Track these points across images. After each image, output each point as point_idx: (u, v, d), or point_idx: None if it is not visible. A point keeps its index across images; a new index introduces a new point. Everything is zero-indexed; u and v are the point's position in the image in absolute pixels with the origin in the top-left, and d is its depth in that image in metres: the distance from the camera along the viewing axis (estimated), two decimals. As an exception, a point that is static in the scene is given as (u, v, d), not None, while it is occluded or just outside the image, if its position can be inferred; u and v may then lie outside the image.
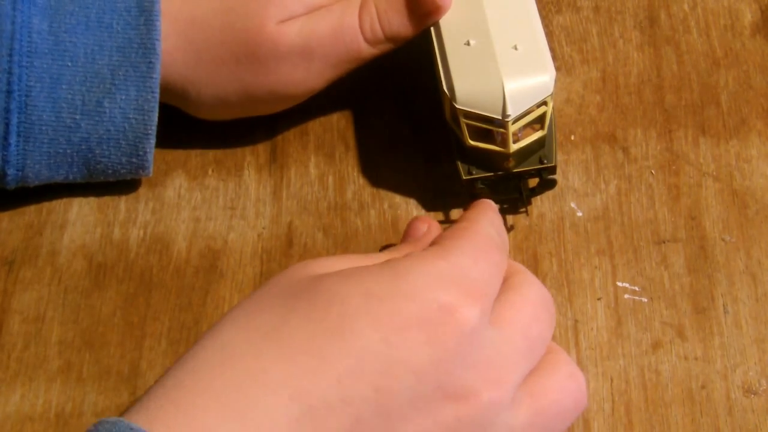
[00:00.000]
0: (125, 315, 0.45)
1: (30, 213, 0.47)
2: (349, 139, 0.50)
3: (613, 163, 0.48)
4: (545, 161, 0.44)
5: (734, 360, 0.43)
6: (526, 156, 0.44)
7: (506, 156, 0.43)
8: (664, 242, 0.46)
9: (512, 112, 0.42)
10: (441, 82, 0.44)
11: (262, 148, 0.49)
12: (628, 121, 0.49)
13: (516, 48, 0.43)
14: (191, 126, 0.48)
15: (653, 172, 0.48)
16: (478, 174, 0.44)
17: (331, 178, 0.48)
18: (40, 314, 0.44)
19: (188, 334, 0.44)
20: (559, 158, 0.46)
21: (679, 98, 0.50)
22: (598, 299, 0.45)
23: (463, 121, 0.43)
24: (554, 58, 0.48)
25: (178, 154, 0.49)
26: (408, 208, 0.47)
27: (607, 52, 0.51)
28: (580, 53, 0.51)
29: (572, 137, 0.49)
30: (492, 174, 0.44)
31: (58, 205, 0.47)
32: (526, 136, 0.43)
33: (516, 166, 0.44)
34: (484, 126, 0.43)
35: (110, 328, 0.44)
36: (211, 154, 0.49)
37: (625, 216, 0.47)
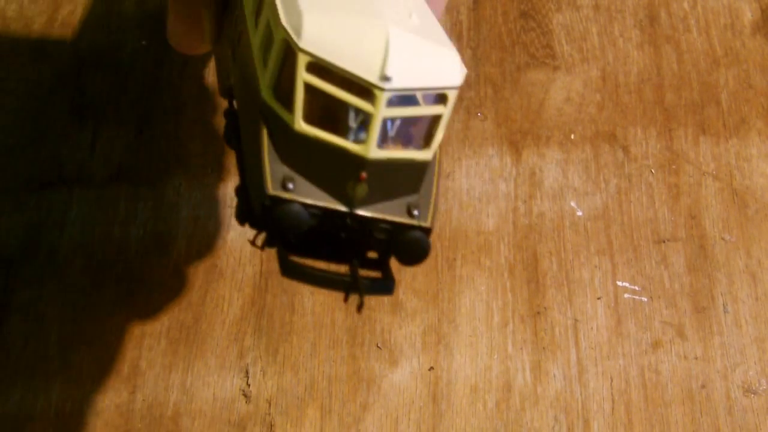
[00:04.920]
0: (125, 314, 0.45)
1: (30, 212, 0.47)
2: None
3: (613, 162, 0.48)
4: (416, 215, 0.27)
5: (734, 359, 0.43)
6: (386, 193, 0.27)
7: (358, 165, 0.26)
8: (664, 241, 0.46)
9: (394, 77, 0.25)
10: (273, 10, 0.27)
11: (261, 147, 0.49)
12: (628, 119, 0.49)
13: (411, 17, 0.28)
14: (191, 126, 0.48)
15: (653, 171, 0.48)
16: (297, 196, 0.26)
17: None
18: (40, 313, 0.44)
19: (187, 333, 0.44)
20: (559, 157, 0.46)
21: (679, 97, 0.50)
22: (598, 298, 0.45)
23: (303, 78, 0.25)
24: (554, 56, 0.48)
25: (178, 154, 0.49)
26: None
27: (607, 50, 0.51)
28: (580, 52, 0.51)
29: (572, 136, 0.49)
30: (323, 205, 0.26)
31: (58, 204, 0.47)
32: (401, 147, 0.27)
33: (365, 204, 0.27)
34: (335, 95, 0.26)
35: (110, 327, 0.44)
36: (210, 153, 0.49)
37: (625, 215, 0.47)
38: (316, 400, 0.43)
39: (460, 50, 0.50)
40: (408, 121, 0.27)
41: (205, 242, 0.46)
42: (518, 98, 0.49)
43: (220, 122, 0.48)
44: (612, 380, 0.43)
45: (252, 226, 0.28)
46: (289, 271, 0.27)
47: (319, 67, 0.25)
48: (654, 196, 0.47)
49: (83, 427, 0.42)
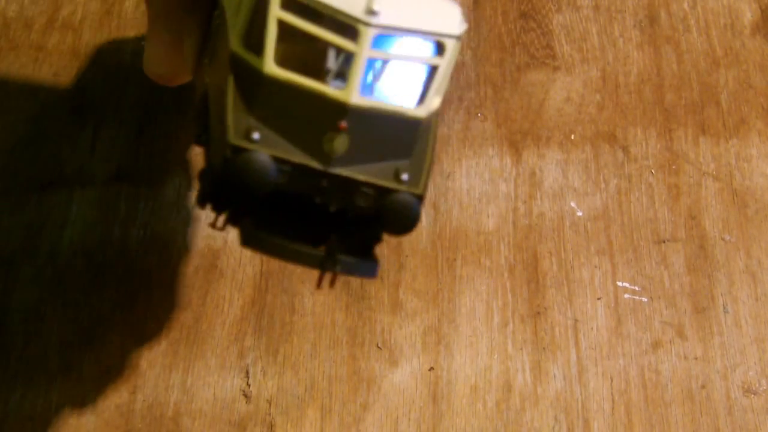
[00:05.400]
0: (125, 314, 0.45)
1: (30, 212, 0.47)
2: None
3: (613, 163, 0.48)
4: (404, 179, 0.24)
5: (734, 360, 0.43)
6: (370, 153, 0.24)
7: (337, 112, 0.23)
8: (664, 242, 0.46)
9: (382, 12, 0.23)
10: None
11: (261, 147, 0.49)
12: (628, 120, 0.49)
13: None
14: (191, 126, 0.48)
15: (653, 171, 0.48)
16: (263, 147, 0.23)
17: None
18: (40, 314, 0.44)
19: (187, 333, 0.44)
20: (559, 157, 0.46)
21: (679, 97, 0.50)
22: (598, 299, 0.45)
23: (276, 14, 0.23)
24: (554, 57, 0.48)
25: (178, 154, 0.49)
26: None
27: (607, 51, 0.51)
28: (579, 52, 0.51)
29: (572, 136, 0.49)
30: (294, 160, 0.23)
31: (58, 204, 0.47)
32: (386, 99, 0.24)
33: (344, 163, 0.24)
34: (312, 33, 0.23)
35: (110, 327, 0.44)
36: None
37: (625, 215, 0.47)
38: (316, 400, 0.43)
39: (461, 50, 0.50)
40: (399, 75, 0.24)
41: (205, 242, 0.46)
42: (518, 98, 0.49)
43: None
44: (612, 380, 0.43)
45: (213, 205, 0.26)
46: (252, 240, 0.24)
47: (294, 4, 0.22)
48: (654, 196, 0.47)
49: (83, 427, 0.42)
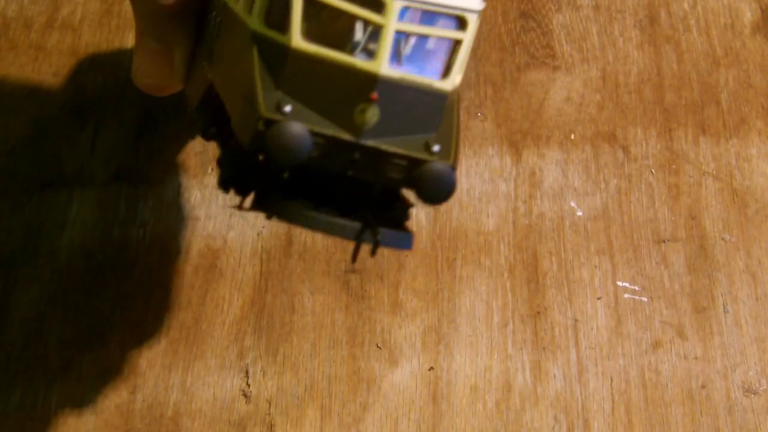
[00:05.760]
0: (125, 314, 0.45)
1: (30, 212, 0.47)
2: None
3: (613, 162, 0.48)
4: (436, 150, 0.24)
5: (734, 360, 0.43)
6: (400, 126, 0.24)
7: (368, 84, 0.23)
8: (664, 242, 0.46)
9: None
10: None
11: (261, 147, 0.49)
12: (628, 120, 0.49)
13: None
14: (191, 126, 0.48)
15: (653, 171, 0.48)
16: (296, 117, 0.23)
17: (330, 177, 0.48)
18: (40, 314, 0.44)
19: (187, 333, 0.44)
20: (559, 157, 0.46)
21: (679, 97, 0.50)
22: (598, 299, 0.45)
23: None
24: (554, 56, 0.48)
25: (178, 154, 0.49)
26: (408, 207, 0.47)
27: (607, 50, 0.51)
28: (580, 52, 0.51)
29: (572, 136, 0.49)
30: (327, 133, 0.23)
31: (58, 204, 0.47)
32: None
33: (375, 135, 0.24)
34: (338, 6, 0.23)
35: (110, 327, 0.44)
36: (210, 152, 0.49)
37: (625, 215, 0.47)
38: (316, 400, 0.43)
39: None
40: (423, 49, 0.24)
41: (205, 242, 0.46)
42: (518, 98, 0.49)
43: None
44: (612, 380, 0.43)
45: (236, 188, 0.26)
46: (287, 213, 0.24)
47: None
48: (654, 196, 0.47)
49: (83, 427, 0.42)
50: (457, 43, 0.24)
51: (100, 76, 0.50)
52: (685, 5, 0.52)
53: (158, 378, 0.43)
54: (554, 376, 0.43)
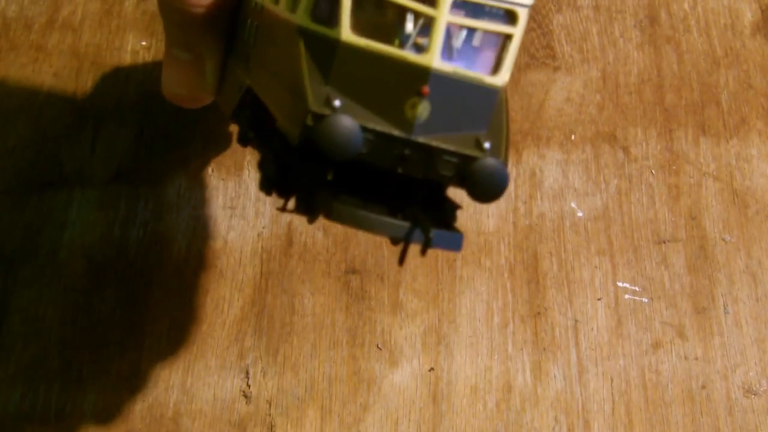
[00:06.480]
0: (125, 314, 0.45)
1: (30, 212, 0.47)
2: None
3: (614, 163, 0.48)
4: (487, 147, 0.24)
5: (734, 360, 0.43)
6: (451, 122, 0.23)
7: (419, 78, 0.22)
8: (664, 242, 0.46)
9: None
10: None
11: (262, 148, 0.49)
12: (628, 120, 0.49)
13: None
14: (191, 126, 0.48)
15: (653, 171, 0.48)
16: (346, 112, 0.22)
17: (331, 178, 0.48)
18: (40, 314, 0.44)
19: (187, 333, 0.44)
20: (559, 157, 0.46)
21: (680, 98, 0.50)
22: (599, 299, 0.45)
23: None
24: (554, 57, 0.48)
25: (178, 154, 0.49)
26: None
27: (608, 51, 0.51)
28: (580, 52, 0.51)
29: (572, 137, 0.49)
30: (377, 129, 0.23)
31: (58, 204, 0.47)
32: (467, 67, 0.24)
33: (426, 130, 0.23)
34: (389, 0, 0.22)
35: (110, 327, 0.44)
36: (210, 153, 0.49)
37: (626, 216, 0.47)
38: (316, 400, 0.43)
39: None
40: (473, 44, 0.24)
41: (205, 242, 0.46)
42: (518, 98, 0.49)
43: (221, 123, 0.48)
44: (612, 381, 0.43)
45: (279, 190, 0.25)
46: (335, 212, 0.23)
47: None
48: (654, 196, 0.47)
49: (83, 427, 0.42)
50: (507, 38, 0.24)
51: (100, 76, 0.50)
52: (685, 6, 0.52)
53: (158, 378, 0.43)
54: (554, 377, 0.43)
